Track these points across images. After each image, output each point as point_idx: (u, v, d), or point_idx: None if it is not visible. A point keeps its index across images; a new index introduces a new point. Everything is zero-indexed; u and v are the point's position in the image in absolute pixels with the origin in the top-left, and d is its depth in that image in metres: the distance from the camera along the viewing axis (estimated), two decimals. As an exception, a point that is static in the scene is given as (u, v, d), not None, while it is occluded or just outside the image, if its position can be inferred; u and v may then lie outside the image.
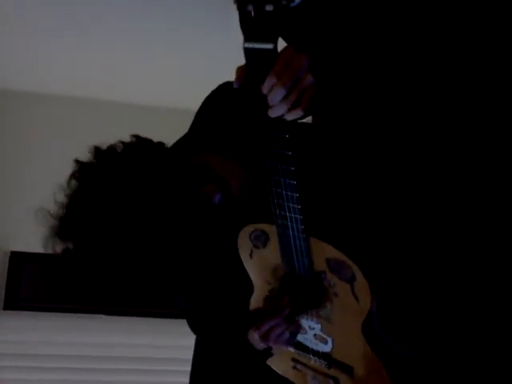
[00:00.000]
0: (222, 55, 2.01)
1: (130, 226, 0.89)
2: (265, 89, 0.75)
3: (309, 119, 1.04)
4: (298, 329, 1.07)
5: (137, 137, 0.98)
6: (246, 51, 0.69)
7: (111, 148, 0.96)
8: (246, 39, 0.68)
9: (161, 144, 1.01)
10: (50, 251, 0.95)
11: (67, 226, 0.92)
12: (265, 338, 1.03)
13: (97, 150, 0.95)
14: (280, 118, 0.78)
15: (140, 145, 0.98)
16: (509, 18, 0.96)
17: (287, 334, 1.04)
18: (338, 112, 0.95)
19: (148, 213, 0.90)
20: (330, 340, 1.08)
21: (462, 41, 0.96)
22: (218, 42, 2.05)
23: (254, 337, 1.04)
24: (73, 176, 0.94)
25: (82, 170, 0.94)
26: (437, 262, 0.96)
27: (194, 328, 1.26)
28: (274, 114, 0.77)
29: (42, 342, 2.29)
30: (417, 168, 0.96)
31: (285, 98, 0.75)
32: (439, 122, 0.95)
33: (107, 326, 2.34)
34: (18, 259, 2.42)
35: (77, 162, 0.95)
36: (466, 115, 0.96)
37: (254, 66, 0.72)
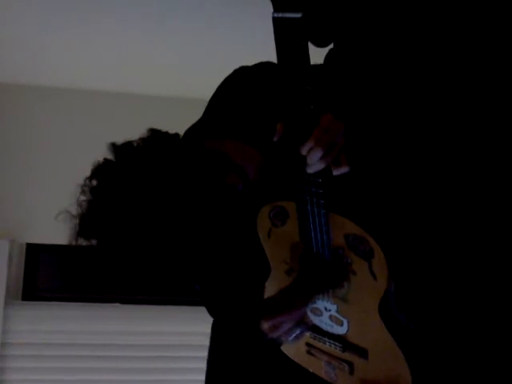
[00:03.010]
0: (231, 44, 2.04)
1: (153, 219, 0.91)
2: (304, 151, 0.82)
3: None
4: (309, 325, 1.08)
5: (152, 130, 1.00)
6: (275, 21, 0.71)
7: (128, 143, 0.97)
8: (275, 9, 0.69)
9: (177, 135, 1.02)
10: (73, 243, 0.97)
11: (92, 225, 0.94)
12: (273, 331, 1.03)
13: (114, 147, 0.97)
14: (305, 90, 0.80)
15: (157, 138, 0.99)
16: (509, 18, 0.97)
17: (297, 330, 1.05)
18: (354, 91, 0.97)
19: (170, 205, 0.92)
20: (345, 321, 1.08)
21: (462, 40, 0.98)
22: (228, 32, 2.07)
23: (264, 327, 1.05)
24: (93, 174, 0.96)
25: (102, 168, 0.95)
26: (457, 241, 0.97)
27: (211, 310, 1.27)
28: (311, 170, 0.85)
29: (59, 331, 2.34)
30: (440, 144, 0.97)
31: (322, 157, 0.82)
32: (454, 103, 0.97)
33: (123, 315, 2.38)
34: (34, 251, 2.47)
35: (96, 161, 0.96)
36: (470, 104, 0.98)
37: (294, 126, 0.79)
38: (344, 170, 0.86)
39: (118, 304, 2.39)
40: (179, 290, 2.21)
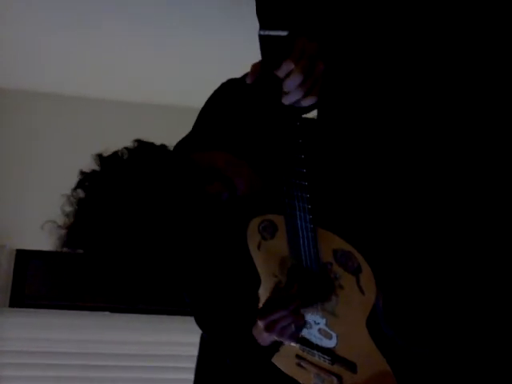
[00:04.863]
0: (224, 52, 2.04)
1: (139, 229, 0.91)
2: (282, 73, 0.76)
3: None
4: (304, 323, 1.06)
5: (139, 141, 1.00)
6: (261, 39, 0.71)
7: (115, 155, 0.97)
8: (262, 27, 0.70)
9: (163, 146, 1.02)
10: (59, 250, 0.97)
11: (77, 236, 0.94)
12: (269, 328, 1.01)
13: (100, 158, 0.97)
14: (291, 107, 0.80)
15: (143, 149, 0.99)
16: (509, 18, 0.98)
17: (293, 328, 1.03)
18: (344, 103, 0.97)
19: (156, 215, 0.91)
20: (334, 335, 1.08)
21: (462, 40, 0.98)
22: (220, 39, 2.07)
23: (259, 327, 1.04)
24: (79, 185, 0.96)
25: (87, 179, 0.96)
26: (444, 255, 0.97)
27: (200, 323, 1.26)
28: (288, 100, 0.79)
29: (47, 339, 2.31)
30: (425, 159, 0.98)
31: (300, 84, 0.77)
32: (442, 117, 0.97)
33: (112, 323, 2.36)
34: (24, 257, 2.45)
35: (82, 172, 0.96)
36: (467, 108, 0.98)
37: (270, 55, 0.73)
38: (313, 99, 0.80)
39: (107, 312, 2.37)
40: (169, 299, 2.21)
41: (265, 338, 1.08)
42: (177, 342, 2.33)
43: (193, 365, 1.57)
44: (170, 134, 1.13)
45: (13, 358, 2.30)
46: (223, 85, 1.13)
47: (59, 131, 2.52)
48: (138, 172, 0.93)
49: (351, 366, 1.09)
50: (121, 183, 0.93)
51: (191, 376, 1.61)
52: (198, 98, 1.18)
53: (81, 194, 0.95)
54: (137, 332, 2.36)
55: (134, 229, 0.91)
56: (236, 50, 2.01)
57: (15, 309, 2.37)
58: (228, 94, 1.11)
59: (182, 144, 1.13)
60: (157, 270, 0.96)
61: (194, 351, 1.57)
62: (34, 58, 2.25)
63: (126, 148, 0.98)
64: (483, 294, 0.97)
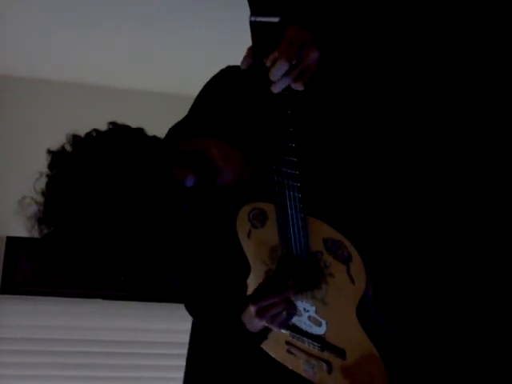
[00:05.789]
0: (223, 40, 2.03)
1: (110, 211, 0.91)
2: (268, 62, 0.76)
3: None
4: (295, 311, 1.07)
5: (114, 123, 1.01)
6: (252, 25, 0.70)
7: (88, 135, 0.98)
8: (253, 13, 0.69)
9: (139, 129, 1.02)
10: (35, 235, 0.97)
11: (49, 213, 0.95)
12: (261, 314, 1.02)
13: (74, 138, 0.98)
14: (281, 95, 0.80)
15: (116, 131, 1.00)
16: (509, 18, 0.97)
17: (284, 315, 1.04)
18: (337, 92, 0.97)
19: (128, 197, 0.92)
20: (324, 322, 1.09)
21: (462, 40, 0.98)
22: (220, 39, 2.07)
23: (250, 312, 1.04)
24: (51, 164, 0.96)
25: (59, 158, 0.96)
26: (434, 244, 0.98)
27: (190, 309, 1.27)
28: (275, 89, 0.79)
29: (39, 326, 2.32)
30: (417, 149, 0.98)
31: (287, 73, 0.77)
32: (437, 104, 0.97)
33: (104, 310, 2.37)
34: (15, 244, 2.43)
35: (50, 151, 0.97)
36: (467, 107, 0.98)
37: (260, 41, 0.73)
38: (298, 87, 0.80)
39: (99, 300, 2.38)
40: (162, 286, 2.22)
41: (255, 324, 1.09)
42: (168, 328, 2.35)
43: (184, 351, 1.59)
44: (170, 121, 1.13)
45: (4, 345, 2.30)
46: (221, 71, 1.13)
47: (53, 118, 2.49)
48: (109, 152, 0.94)
49: (340, 353, 1.10)
50: (91, 163, 0.93)
51: (182, 362, 1.63)
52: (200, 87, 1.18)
53: (54, 172, 0.96)
54: (128, 319, 2.36)
55: (98, 210, 0.91)
56: (236, 49, 2.00)
57: (6, 296, 2.36)
58: (224, 80, 1.11)
59: (175, 129, 1.12)
60: (143, 254, 0.96)
61: (186, 338, 1.58)
62: (34, 54, 2.24)
63: (95, 129, 0.98)
64: (472, 283, 0.98)
